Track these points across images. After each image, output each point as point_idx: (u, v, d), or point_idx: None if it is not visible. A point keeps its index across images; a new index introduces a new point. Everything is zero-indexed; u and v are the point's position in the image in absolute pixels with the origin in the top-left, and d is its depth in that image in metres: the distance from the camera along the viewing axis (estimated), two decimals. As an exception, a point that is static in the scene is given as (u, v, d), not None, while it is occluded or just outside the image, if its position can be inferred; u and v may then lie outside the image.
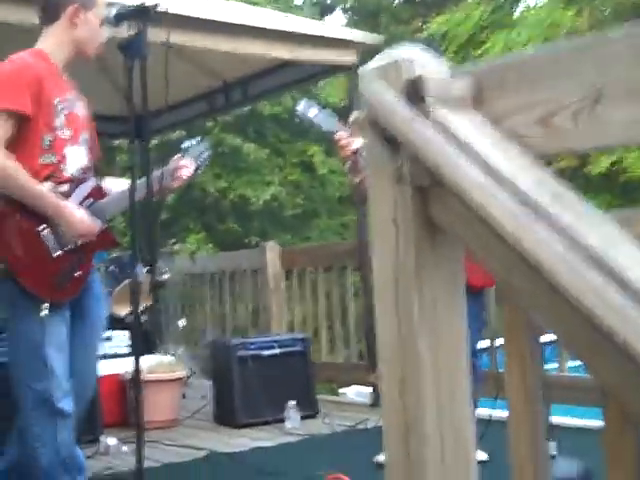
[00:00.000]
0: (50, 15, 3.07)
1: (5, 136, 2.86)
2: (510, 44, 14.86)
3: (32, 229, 2.92)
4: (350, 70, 5.78)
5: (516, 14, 16.86)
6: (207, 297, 7.44)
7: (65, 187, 2.99)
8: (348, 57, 5.75)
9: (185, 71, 5.86)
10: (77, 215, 2.96)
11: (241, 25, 5.35)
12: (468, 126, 1.40)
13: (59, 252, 2.96)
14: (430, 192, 1.44)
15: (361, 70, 1.51)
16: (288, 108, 14.41)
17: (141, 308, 5.91)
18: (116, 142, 10.23)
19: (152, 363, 5.18)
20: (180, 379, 5.43)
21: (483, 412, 4.11)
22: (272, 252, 6.63)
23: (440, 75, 1.48)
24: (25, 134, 2.90)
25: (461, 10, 16.33)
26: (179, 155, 3.26)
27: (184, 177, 3.23)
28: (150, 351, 5.72)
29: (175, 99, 6.77)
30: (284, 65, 6.12)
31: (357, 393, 6.59)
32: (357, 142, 3.71)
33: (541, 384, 1.39)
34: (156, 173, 3.15)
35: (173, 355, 5.86)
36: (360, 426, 5.06)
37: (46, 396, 2.90)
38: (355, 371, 6.04)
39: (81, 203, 3.02)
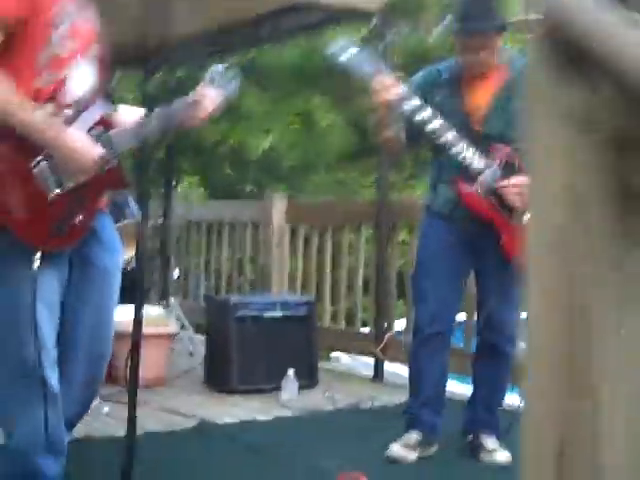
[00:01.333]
0: None
1: None
2: None
3: (24, 163, 2.39)
4: (371, 18, 5.22)
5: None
6: (203, 247, 6.93)
7: (69, 110, 2.46)
8: (372, 2, 5.14)
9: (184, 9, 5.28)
10: (80, 143, 2.42)
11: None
12: None
13: (57, 192, 2.43)
14: None
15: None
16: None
17: (131, 255, 5.44)
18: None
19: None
20: (169, 335, 4.96)
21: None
22: (279, 204, 6.10)
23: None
24: (18, 47, 2.36)
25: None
26: (203, 83, 2.77)
27: (209, 109, 2.74)
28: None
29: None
30: (294, 8, 5.50)
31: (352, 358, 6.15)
32: (400, 89, 3.23)
33: None
34: (178, 103, 2.67)
35: (164, 307, 5.37)
36: (363, 405, 4.61)
37: (32, 364, 2.41)
38: (359, 341, 5.60)
39: (88, 131, 2.49)
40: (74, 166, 2.43)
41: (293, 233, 6.17)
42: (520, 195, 3.33)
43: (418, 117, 3.28)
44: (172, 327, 5.05)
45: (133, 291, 5.16)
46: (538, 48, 1.01)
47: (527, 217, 3.40)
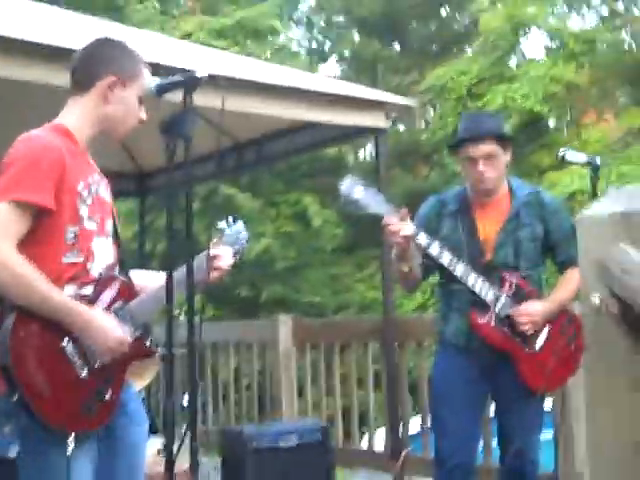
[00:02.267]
0: (80, 84, 2.60)
1: (20, 234, 2.36)
2: (510, 98, 14.65)
3: (54, 345, 2.40)
4: (377, 133, 5.39)
5: (512, 66, 16.72)
6: (207, 370, 6.91)
7: (89, 289, 2.49)
8: (376, 120, 5.33)
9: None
10: (107, 326, 2.46)
11: (255, 83, 4.90)
12: None
13: (86, 372, 2.45)
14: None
15: (583, 217, 1.07)
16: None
17: (145, 384, 5.41)
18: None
19: (152, 452, 4.66)
20: (185, 471, 4.91)
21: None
22: (285, 326, 6.10)
23: None
24: (45, 229, 2.42)
25: (459, 63, 16.12)
26: (215, 241, 2.81)
27: (224, 268, 2.78)
28: (152, 431, 5.19)
29: (181, 157, 6.29)
30: (303, 126, 5.69)
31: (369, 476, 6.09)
32: (408, 228, 3.30)
33: None
34: (196, 264, 2.65)
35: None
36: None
37: None
38: (374, 459, 5.55)
39: (109, 307, 2.53)
40: (101, 347, 2.45)
41: (300, 354, 6.16)
42: (532, 322, 3.40)
43: (429, 252, 3.36)
44: (186, 462, 4.99)
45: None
46: (605, 319, 1.05)
47: (540, 343, 3.46)
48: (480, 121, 3.58)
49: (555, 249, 3.53)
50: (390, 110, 5.35)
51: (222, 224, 2.87)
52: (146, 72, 2.66)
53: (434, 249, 3.36)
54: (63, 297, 2.40)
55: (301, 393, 6.26)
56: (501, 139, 3.51)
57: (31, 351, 2.36)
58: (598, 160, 3.33)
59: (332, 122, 5.29)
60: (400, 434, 5.31)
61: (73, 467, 2.38)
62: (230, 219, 2.90)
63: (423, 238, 3.35)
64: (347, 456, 5.62)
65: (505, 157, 3.52)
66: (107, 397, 2.49)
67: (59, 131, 2.53)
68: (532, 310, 3.41)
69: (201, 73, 2.53)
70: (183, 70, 2.67)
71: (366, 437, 5.88)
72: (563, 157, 3.34)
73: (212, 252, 2.75)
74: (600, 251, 0.98)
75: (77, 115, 2.59)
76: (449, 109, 15.08)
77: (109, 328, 2.46)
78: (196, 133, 2.63)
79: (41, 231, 2.41)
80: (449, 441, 3.47)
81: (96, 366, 2.47)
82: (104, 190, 2.64)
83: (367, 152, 16.89)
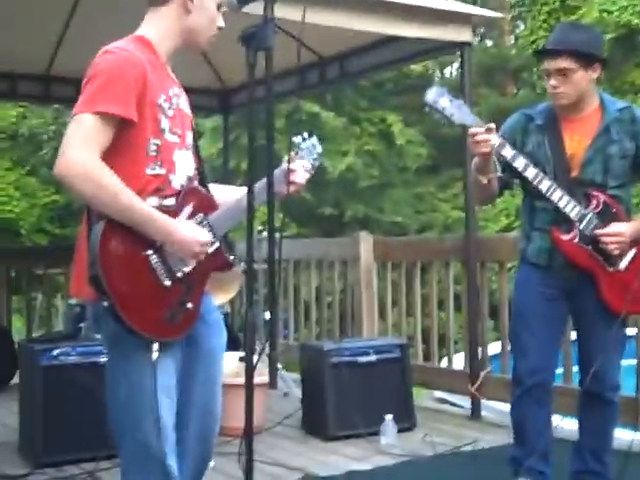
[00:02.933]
0: None
1: (103, 145, 2.37)
2: (606, 11, 14.10)
3: (140, 255, 2.43)
4: (462, 48, 5.25)
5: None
6: (290, 286, 7.00)
7: (172, 201, 2.51)
8: (462, 34, 5.20)
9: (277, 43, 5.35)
10: (189, 235, 2.48)
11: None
12: None
13: (169, 281, 2.48)
14: None
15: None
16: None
17: (229, 299, 5.50)
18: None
19: (235, 364, 4.76)
20: (266, 383, 5.03)
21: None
22: (366, 243, 6.11)
23: None
24: (128, 141, 2.42)
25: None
26: (292, 154, 2.79)
27: (300, 182, 2.77)
28: (235, 347, 5.30)
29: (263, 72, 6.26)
30: (387, 41, 5.59)
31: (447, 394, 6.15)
32: (494, 138, 3.24)
33: None
34: (275, 176, 2.65)
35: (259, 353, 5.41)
36: (465, 448, 4.58)
37: (153, 451, 2.45)
38: (453, 379, 5.57)
39: (189, 219, 2.54)
40: (185, 254, 2.48)
41: (381, 273, 6.17)
42: (619, 243, 3.30)
43: (514, 165, 3.30)
44: (266, 377, 5.10)
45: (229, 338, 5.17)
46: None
47: (625, 263, 3.36)
48: (565, 34, 3.43)
49: None
50: (477, 24, 5.21)
51: (297, 139, 2.88)
52: None
53: (519, 162, 3.29)
54: (147, 207, 2.42)
55: (382, 312, 6.29)
56: (581, 55, 3.36)
57: (118, 260, 2.40)
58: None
59: (417, 36, 5.19)
60: (479, 356, 5.30)
61: (158, 374, 2.43)
62: (305, 134, 2.90)
63: (509, 151, 3.29)
64: (425, 375, 5.65)
65: (586, 74, 3.35)
66: (189, 306, 2.53)
67: (141, 43, 2.53)
68: (619, 231, 3.31)
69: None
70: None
71: (445, 359, 5.89)
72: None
73: (290, 165, 2.75)
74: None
75: (158, 27, 2.57)
76: (540, 23, 14.63)
77: (192, 235, 2.49)
78: (278, 47, 2.61)
79: (124, 143, 2.43)
80: (528, 360, 3.43)
81: (179, 275, 2.50)
82: (184, 103, 2.65)
83: (453, 70, 16.57)
